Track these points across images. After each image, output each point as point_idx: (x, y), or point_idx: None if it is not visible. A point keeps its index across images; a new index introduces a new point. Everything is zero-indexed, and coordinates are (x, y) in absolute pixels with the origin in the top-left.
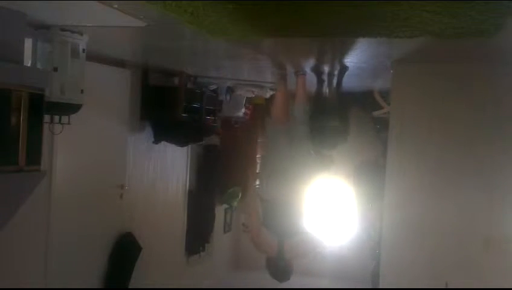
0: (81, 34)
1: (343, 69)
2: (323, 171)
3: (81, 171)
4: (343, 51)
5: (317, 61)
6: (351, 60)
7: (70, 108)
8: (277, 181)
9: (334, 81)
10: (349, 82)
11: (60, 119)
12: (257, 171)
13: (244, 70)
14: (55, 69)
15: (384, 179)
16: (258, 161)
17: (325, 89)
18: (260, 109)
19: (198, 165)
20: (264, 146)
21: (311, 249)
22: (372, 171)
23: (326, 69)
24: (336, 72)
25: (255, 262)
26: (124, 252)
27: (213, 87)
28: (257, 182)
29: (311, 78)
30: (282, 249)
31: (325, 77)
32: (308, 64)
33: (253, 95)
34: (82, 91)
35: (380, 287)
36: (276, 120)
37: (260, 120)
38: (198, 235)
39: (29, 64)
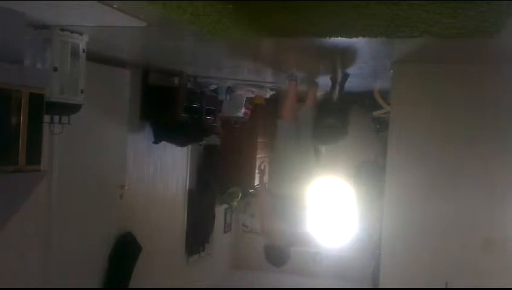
0: (81, 34)
1: (345, 75)
2: (321, 167)
3: (81, 171)
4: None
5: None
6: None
7: (70, 108)
8: (285, 177)
9: (337, 84)
10: (349, 82)
11: (60, 119)
12: (262, 168)
13: (244, 70)
14: (55, 69)
15: (384, 179)
16: (258, 160)
17: (329, 90)
18: (260, 109)
19: (198, 165)
20: (273, 145)
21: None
22: (372, 171)
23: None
24: (339, 77)
25: (255, 262)
26: (124, 252)
27: (213, 87)
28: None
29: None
30: (288, 237)
31: (329, 80)
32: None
33: (253, 95)
34: (82, 91)
35: (380, 287)
36: (286, 118)
37: (261, 120)
38: (198, 235)
39: (29, 64)
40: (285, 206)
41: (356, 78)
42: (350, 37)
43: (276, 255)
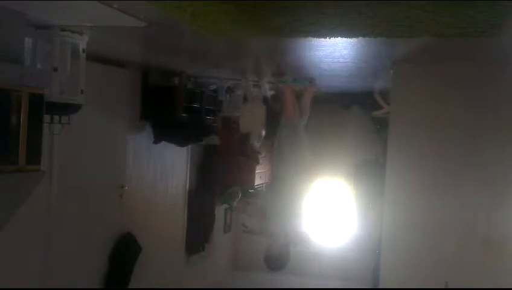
0: (81, 34)
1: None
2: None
3: (81, 171)
4: None
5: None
6: (351, 60)
7: (70, 108)
8: (287, 181)
9: None
10: (349, 82)
11: (60, 119)
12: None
13: (244, 70)
14: (55, 69)
15: (384, 178)
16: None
17: None
18: None
19: (198, 165)
20: (278, 145)
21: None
22: (372, 171)
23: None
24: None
25: (255, 262)
26: (124, 252)
27: (213, 87)
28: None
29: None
30: (288, 238)
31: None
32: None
33: (253, 95)
34: (82, 91)
35: (380, 287)
36: (292, 118)
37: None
38: (198, 235)
39: (29, 64)
40: (288, 206)
41: (356, 78)
42: (350, 37)
43: (276, 258)
